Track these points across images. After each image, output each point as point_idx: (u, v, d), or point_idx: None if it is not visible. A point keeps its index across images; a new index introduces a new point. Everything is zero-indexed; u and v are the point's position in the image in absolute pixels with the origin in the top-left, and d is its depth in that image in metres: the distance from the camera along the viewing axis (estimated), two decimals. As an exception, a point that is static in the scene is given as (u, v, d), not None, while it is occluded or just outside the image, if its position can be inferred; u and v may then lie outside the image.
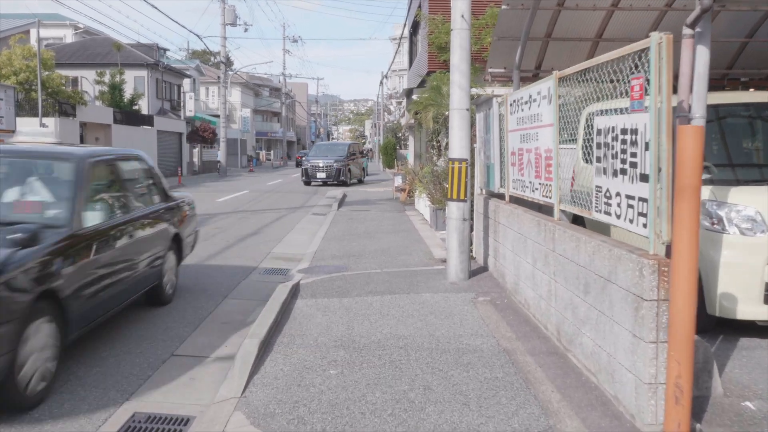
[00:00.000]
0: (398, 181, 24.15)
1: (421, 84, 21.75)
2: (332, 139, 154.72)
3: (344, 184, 30.26)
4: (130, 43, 42.55)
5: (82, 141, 28.17)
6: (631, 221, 4.29)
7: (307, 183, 30.96)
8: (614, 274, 4.36)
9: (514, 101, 7.50)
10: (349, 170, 31.52)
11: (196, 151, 44.09)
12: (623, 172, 4.40)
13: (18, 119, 22.54)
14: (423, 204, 16.14)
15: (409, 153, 41.94)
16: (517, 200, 8.05)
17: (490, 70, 10.15)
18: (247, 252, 11.61)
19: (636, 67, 4.24)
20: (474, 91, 10.00)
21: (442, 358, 5.37)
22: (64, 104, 25.29)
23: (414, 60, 27.01)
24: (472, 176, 9.84)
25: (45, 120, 24.14)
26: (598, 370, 4.66)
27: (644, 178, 4.08)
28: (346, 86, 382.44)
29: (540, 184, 6.53)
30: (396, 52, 64.38)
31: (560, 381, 4.78)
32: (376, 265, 9.91)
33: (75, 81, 40.04)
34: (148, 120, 35.12)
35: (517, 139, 7.39)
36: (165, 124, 38.28)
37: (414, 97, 21.05)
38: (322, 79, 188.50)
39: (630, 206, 4.29)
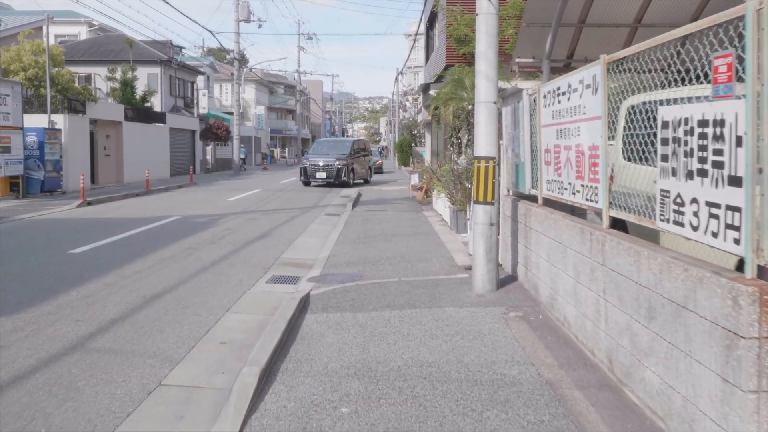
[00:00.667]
0: (415, 179, 23.33)
1: (439, 79, 20.91)
2: (347, 136, 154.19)
3: (346, 185, 27.73)
4: (144, 40, 42.05)
5: (92, 139, 27.59)
6: (714, 235, 3.45)
7: (306, 183, 28.56)
8: (692, 300, 3.52)
9: (549, 92, 6.67)
10: (353, 170, 28.94)
11: (209, 148, 43.49)
12: (702, 173, 3.56)
13: (26, 116, 21.97)
14: (442, 204, 15.31)
15: (425, 151, 41.09)
16: (550, 203, 7.23)
17: (517, 60, 9.31)
18: (254, 257, 10.85)
19: (721, 43, 3.41)
20: (498, 84, 9.18)
21: (474, 393, 4.55)
22: (73, 101, 24.66)
23: (431, 55, 26.18)
24: (499, 176, 9.00)
25: (54, 117, 23.55)
26: (667, 415, 3.83)
27: (735, 181, 3.24)
28: (360, 84, 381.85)
29: (583, 186, 5.69)
30: (411, 49, 63.50)
31: (620, 425, 3.95)
32: (394, 272, 9.11)
33: (88, 78, 39.58)
34: (160, 117, 34.52)
35: (553, 135, 6.55)
36: (178, 122, 37.68)
37: (431, 92, 20.22)
38: (337, 76, 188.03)
39: (713, 216, 3.45)
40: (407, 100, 63.37)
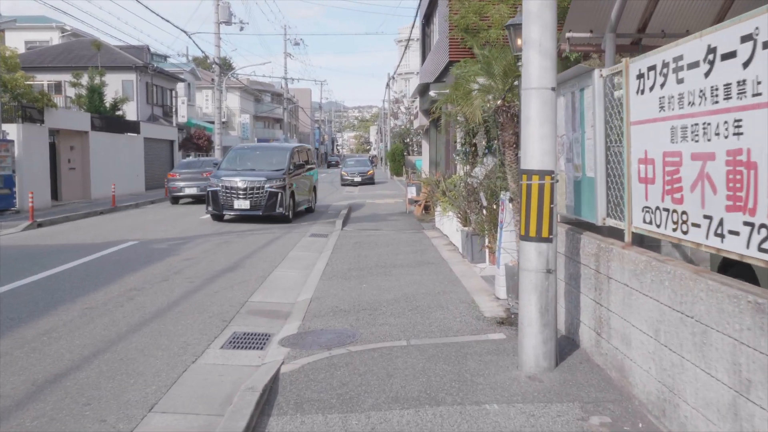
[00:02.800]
0: (412, 192, 20.87)
1: (440, 78, 18.49)
2: (336, 146, 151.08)
3: (284, 219, 17.95)
4: (119, 45, 39.51)
5: (53, 150, 24.98)
6: None
7: (218, 217, 18.30)
8: None
9: (654, 68, 4.19)
10: (292, 194, 18.48)
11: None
12: None
13: (-28, 126, 19.39)
14: (449, 225, 12.82)
15: (421, 160, 38.66)
16: (639, 239, 4.78)
17: (569, 35, 6.86)
18: (214, 302, 8.32)
19: None
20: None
21: None
22: (28, 108, 22.05)
23: (428, 54, 23.76)
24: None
25: (6, 126, 20.93)
26: None
27: None
28: (350, 93, 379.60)
29: (749, 223, 3.21)
30: (402, 55, 61.28)
31: None
32: (400, 329, 6.61)
33: (58, 86, 37.01)
34: (133, 126, 31.93)
35: (662, 136, 4.08)
36: (154, 131, 35.09)
37: (432, 93, 17.79)
38: (326, 83, 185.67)
39: None
40: (399, 107, 61.05)
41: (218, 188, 17.82)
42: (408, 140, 54.77)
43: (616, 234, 5.10)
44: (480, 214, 10.18)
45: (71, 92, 33.61)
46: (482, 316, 7.00)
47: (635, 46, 6.90)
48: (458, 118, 10.53)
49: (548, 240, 5.06)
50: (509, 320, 6.75)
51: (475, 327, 6.60)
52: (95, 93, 28.71)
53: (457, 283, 8.83)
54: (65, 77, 35.67)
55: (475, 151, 10.38)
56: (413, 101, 28.87)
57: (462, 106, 9.54)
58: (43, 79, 37.72)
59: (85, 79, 29.03)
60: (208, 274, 10.19)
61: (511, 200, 7.33)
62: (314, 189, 22.06)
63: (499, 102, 7.14)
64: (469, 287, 8.54)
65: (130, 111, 36.47)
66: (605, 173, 5.13)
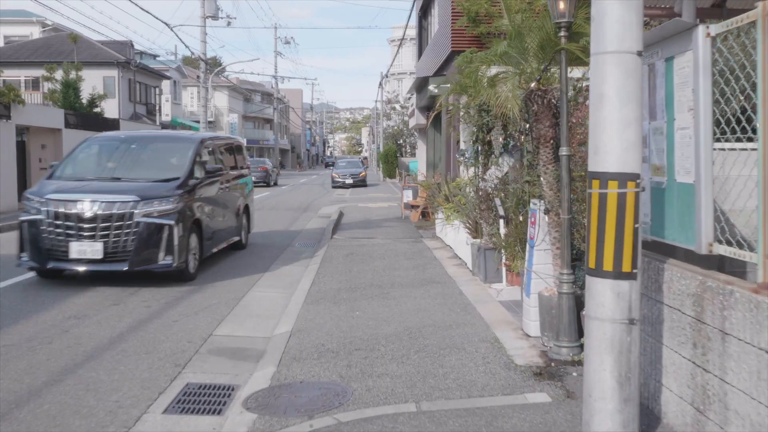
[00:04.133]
0: (408, 196, 19.24)
1: (440, 71, 16.88)
2: (328, 149, 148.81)
3: (177, 275, 9.34)
4: (101, 40, 37.74)
5: (23, 148, 23.21)
6: None
7: (43, 273, 9.55)
8: None
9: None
10: (197, 226, 9.92)
11: (174, 160, 39.09)
12: None
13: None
14: (454, 235, 11.19)
15: (416, 161, 37.00)
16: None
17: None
18: (169, 336, 6.66)
19: None
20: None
21: None
22: (-8, 103, 20.31)
23: (425, 48, 22.15)
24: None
25: (-34, 123, 19.18)
26: None
27: None
28: (342, 94, 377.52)
29: None
30: (396, 54, 59.66)
31: None
32: (405, 382, 4.98)
33: (36, 82, 35.26)
34: (111, 124, 30.10)
35: None
36: (135, 130, 33.33)
37: (431, 87, 16.18)
38: (317, 83, 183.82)
39: None
40: (392, 107, 59.41)
41: (39, 217, 8.94)
42: (401, 141, 53.18)
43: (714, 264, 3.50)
44: (495, 225, 8.57)
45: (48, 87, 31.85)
46: (512, 363, 5.36)
47: (717, 8, 5.33)
48: (469, 111, 8.91)
49: (631, 276, 3.44)
50: (550, 370, 5.13)
51: (506, 381, 4.96)
52: (70, 88, 26.92)
53: (471, 311, 7.20)
54: (44, 72, 33.96)
55: (489, 149, 8.75)
56: (409, 98, 27.20)
57: (476, 94, 7.96)
58: (20, 75, 35.99)
59: (60, 74, 27.23)
60: (171, 297, 8.52)
61: (547, 211, 5.71)
62: (247, 211, 13.37)
63: (532, 85, 5.52)
64: (487, 317, 6.90)
65: (111, 108, 34.71)
66: (711, 178, 3.52)
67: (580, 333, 5.37)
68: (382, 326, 6.68)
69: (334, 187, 36.97)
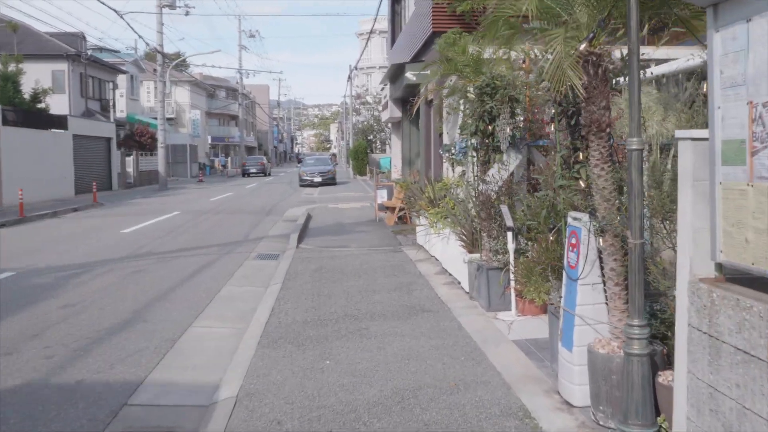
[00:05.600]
0: (382, 196, 17.43)
1: (418, 56, 15.07)
2: (296, 145, 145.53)
3: None
4: (50, 31, 35.23)
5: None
6: None
7: None
8: None
9: None
10: None
11: (131, 159, 36.74)
12: None
13: None
14: (443, 247, 9.41)
15: (388, 158, 35.13)
16: None
17: None
18: (62, 411, 4.77)
19: None
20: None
21: None
22: None
23: (399, 34, 20.30)
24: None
25: None
26: None
27: None
28: (310, 90, 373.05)
29: None
30: (364, 48, 57.80)
31: None
32: None
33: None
34: (59, 122, 27.81)
35: None
36: (86, 128, 30.98)
37: (408, 75, 14.35)
38: (283, 77, 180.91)
39: None
40: (362, 102, 57.44)
41: None
42: (371, 137, 51.29)
43: None
44: (500, 238, 6.80)
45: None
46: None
47: None
48: (467, 93, 7.12)
49: None
50: (624, 480, 3.36)
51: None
52: (9, 82, 24.55)
53: (479, 359, 5.40)
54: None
55: (491, 143, 6.95)
56: (382, 89, 25.33)
57: (474, 75, 6.18)
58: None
59: (-4, 66, 24.87)
60: (85, 338, 6.61)
61: (601, 232, 3.95)
62: None
63: (581, 47, 3.74)
64: (504, 369, 5.12)
65: (61, 105, 32.33)
66: None
67: (656, 408, 3.65)
68: (361, 387, 4.86)
69: (302, 185, 34.98)
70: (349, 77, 55.91)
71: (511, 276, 6.47)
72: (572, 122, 4.38)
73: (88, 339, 6.55)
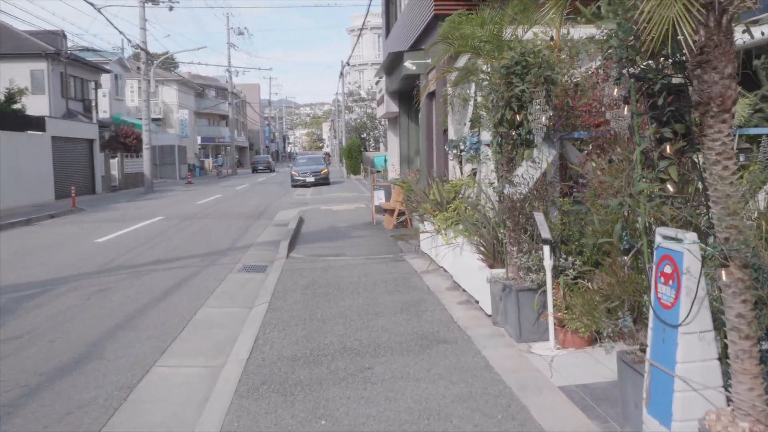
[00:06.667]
0: (379, 197, 16.20)
1: (417, 44, 13.78)
2: (289, 145, 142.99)
3: None
4: (29, 30, 33.82)
5: None
6: None
7: None
8: None
9: None
10: None
11: (115, 161, 35.31)
12: None
13: None
14: (454, 257, 8.14)
15: (382, 156, 33.86)
16: None
17: None
18: None
19: None
20: None
21: None
22: None
23: (393, 23, 18.99)
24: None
25: None
26: None
27: None
28: (301, 89, 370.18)
29: None
30: (356, 44, 56.49)
31: None
32: None
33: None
34: (36, 123, 26.40)
35: None
36: (67, 129, 29.55)
37: (407, 64, 13.06)
38: (273, 75, 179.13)
39: None
40: (354, 100, 56.06)
41: None
42: (365, 135, 49.99)
43: None
44: (533, 253, 5.54)
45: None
46: None
47: None
48: (484, 77, 5.85)
49: None
50: None
51: None
52: (-20, 82, 23.17)
53: (524, 419, 4.12)
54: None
55: (523, 135, 5.66)
56: (377, 82, 24.01)
57: (498, 52, 4.93)
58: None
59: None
60: (20, 385, 5.31)
61: (726, 260, 2.69)
62: None
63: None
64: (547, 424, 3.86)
65: (40, 105, 30.94)
66: None
67: None
68: (369, 466, 3.60)
69: (294, 186, 33.66)
70: (341, 73, 54.59)
71: (549, 300, 5.21)
72: (659, 102, 3.13)
73: (24, 387, 5.27)
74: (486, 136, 8.07)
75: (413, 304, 7.36)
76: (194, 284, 9.32)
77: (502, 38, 5.84)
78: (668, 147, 3.21)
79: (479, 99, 7.78)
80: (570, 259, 5.32)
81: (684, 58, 2.97)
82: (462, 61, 7.48)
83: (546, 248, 5.19)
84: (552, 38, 6.06)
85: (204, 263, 11.02)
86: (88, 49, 39.05)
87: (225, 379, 5.20)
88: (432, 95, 12.80)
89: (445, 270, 8.93)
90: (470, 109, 8.72)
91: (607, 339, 4.36)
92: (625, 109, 3.33)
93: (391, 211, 14.62)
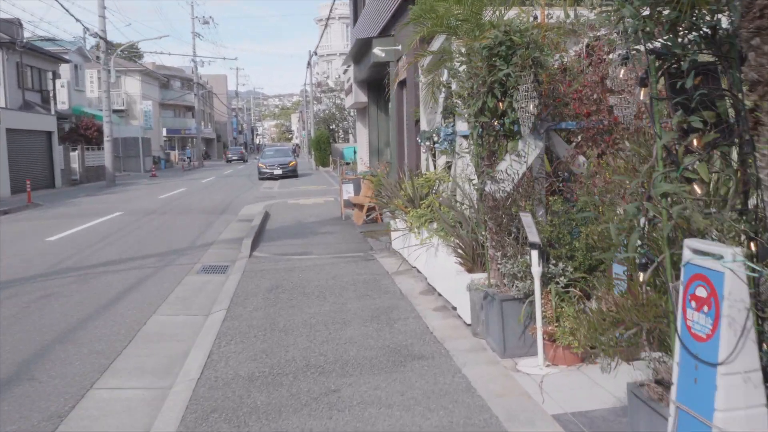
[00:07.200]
0: (348, 191, 15.52)
1: (387, 29, 13.13)
2: (257, 136, 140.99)
3: None
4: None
5: None
6: None
7: None
8: None
9: None
10: None
11: (76, 154, 34.08)
12: None
13: None
14: (428, 259, 7.54)
15: (352, 147, 33.11)
16: None
17: None
18: None
19: None
20: None
21: None
22: None
23: (361, 10, 18.28)
24: None
25: None
26: None
27: None
28: (269, 80, 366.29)
29: None
30: (323, 33, 55.63)
31: None
32: None
33: None
34: (-13, 115, 25.23)
35: None
36: (21, 121, 28.35)
37: (377, 51, 12.39)
38: (242, 68, 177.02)
39: None
40: (322, 91, 55.14)
41: None
42: (334, 126, 49.17)
43: None
44: (517, 258, 4.95)
45: None
46: None
47: None
48: (459, 56, 5.23)
49: None
50: None
51: None
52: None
53: (513, 456, 3.55)
54: None
55: (506, 125, 5.05)
56: (345, 70, 23.26)
57: (479, 31, 4.33)
58: None
59: None
60: (-72, 418, 4.60)
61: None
62: None
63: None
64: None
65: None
66: None
67: None
68: None
69: (261, 179, 32.80)
70: (309, 63, 53.65)
71: (537, 311, 4.64)
72: (687, 84, 2.55)
73: (-66, 420, 4.55)
74: (462, 126, 7.47)
75: (384, 310, 6.74)
76: (147, 288, 8.60)
77: (482, 16, 5.23)
78: (694, 140, 2.63)
79: (454, 86, 7.18)
80: (560, 264, 4.74)
81: (718, 28, 2.39)
82: (436, 44, 6.87)
83: (534, 253, 4.61)
84: (536, 17, 5.46)
85: (160, 264, 10.29)
86: (47, 39, 37.64)
87: (170, 406, 4.54)
88: (403, 84, 12.17)
89: (418, 271, 8.33)
90: (443, 97, 8.11)
91: (602, 355, 3.79)
92: (641, 93, 2.74)
93: (361, 206, 13.99)
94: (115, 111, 43.21)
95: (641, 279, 2.75)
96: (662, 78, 2.69)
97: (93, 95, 42.13)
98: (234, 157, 68.52)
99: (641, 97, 2.77)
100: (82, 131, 35.17)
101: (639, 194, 2.79)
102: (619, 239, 2.64)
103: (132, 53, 58.83)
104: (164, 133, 62.76)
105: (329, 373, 4.98)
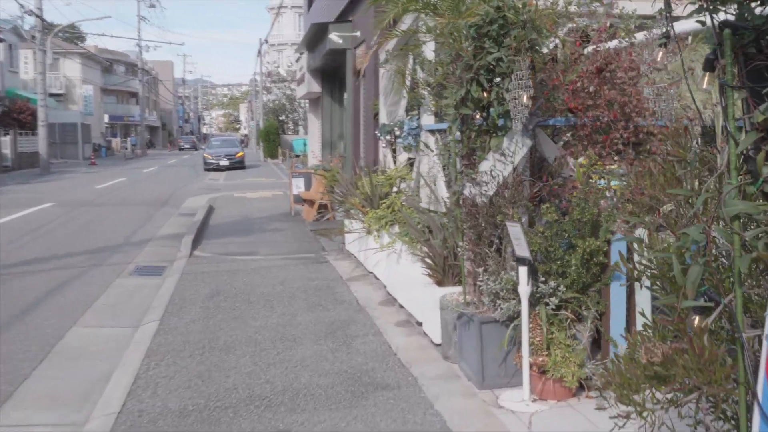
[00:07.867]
0: (299, 185, 14.71)
1: (345, 14, 12.31)
2: (204, 125, 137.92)
3: None
4: None
5: None
6: None
7: None
8: None
9: None
10: None
11: (7, 139, 32.17)
12: None
13: None
14: (389, 265, 6.80)
15: (302, 139, 32.10)
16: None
17: None
18: None
19: None
20: None
21: None
22: None
23: (316, -5, 17.37)
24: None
25: None
26: None
27: None
28: (218, 69, 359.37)
29: None
30: (274, 22, 54.29)
31: None
32: None
33: None
34: None
35: None
36: (-52, 102, 26.54)
37: (333, 37, 11.56)
38: (189, 55, 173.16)
39: None
40: (272, 81, 53.81)
41: None
42: (283, 117, 47.99)
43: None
44: (499, 273, 4.25)
45: None
46: None
47: None
48: (438, 36, 4.51)
49: None
50: None
51: None
52: None
53: None
54: None
55: (492, 120, 4.33)
56: (298, 59, 22.30)
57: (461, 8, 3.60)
58: None
59: None
60: None
61: None
62: None
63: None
64: None
65: None
66: None
67: None
68: None
69: (206, 170, 31.53)
70: (260, 52, 52.29)
71: (525, 338, 3.96)
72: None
73: None
74: (428, 120, 6.76)
75: (340, 325, 5.98)
76: (71, 292, 7.64)
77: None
78: (777, 141, 1.97)
79: (421, 74, 6.45)
80: (551, 283, 4.06)
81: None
82: (404, 26, 6.13)
83: (522, 270, 3.92)
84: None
85: (89, 263, 9.30)
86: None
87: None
88: (358, 74, 11.40)
89: (376, 277, 7.59)
90: (407, 88, 7.38)
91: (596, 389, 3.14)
92: (705, 80, 2.06)
93: (312, 202, 13.19)
94: (52, 95, 41.19)
95: (695, 324, 2.08)
96: (736, 60, 2.02)
97: (28, 77, 40.02)
98: (186, 146, 72.18)
99: (704, 85, 2.10)
100: (15, 115, 33.27)
101: (693, 215, 2.11)
102: (693, 283, 1.94)
103: (73, 35, 56.48)
104: (106, 119, 60.44)
105: (277, 406, 4.21)
